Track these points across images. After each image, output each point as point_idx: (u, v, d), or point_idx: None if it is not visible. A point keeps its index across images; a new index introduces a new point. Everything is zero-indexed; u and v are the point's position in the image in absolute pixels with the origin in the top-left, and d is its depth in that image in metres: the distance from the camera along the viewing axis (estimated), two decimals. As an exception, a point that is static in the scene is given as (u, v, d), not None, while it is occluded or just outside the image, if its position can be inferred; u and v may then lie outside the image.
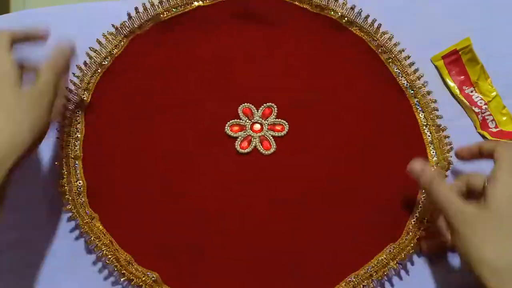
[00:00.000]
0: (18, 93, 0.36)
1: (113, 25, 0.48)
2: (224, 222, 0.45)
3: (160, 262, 0.43)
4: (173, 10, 0.49)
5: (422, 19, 0.50)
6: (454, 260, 0.45)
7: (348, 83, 0.48)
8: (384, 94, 0.48)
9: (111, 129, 0.47)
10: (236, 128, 0.47)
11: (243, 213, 0.45)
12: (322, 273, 0.43)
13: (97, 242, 0.43)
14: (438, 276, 0.45)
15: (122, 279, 0.43)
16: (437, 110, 0.47)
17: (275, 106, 0.47)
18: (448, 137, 0.46)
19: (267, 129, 0.47)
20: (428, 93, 0.47)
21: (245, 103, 0.47)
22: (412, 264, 0.45)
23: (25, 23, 0.50)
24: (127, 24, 0.48)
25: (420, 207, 0.44)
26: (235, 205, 0.45)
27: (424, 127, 0.47)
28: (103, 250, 0.43)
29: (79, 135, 0.46)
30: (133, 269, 0.43)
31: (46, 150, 0.47)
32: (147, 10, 0.48)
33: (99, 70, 0.48)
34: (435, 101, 0.47)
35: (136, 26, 0.48)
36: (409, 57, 0.48)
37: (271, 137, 0.46)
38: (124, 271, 0.43)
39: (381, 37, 0.48)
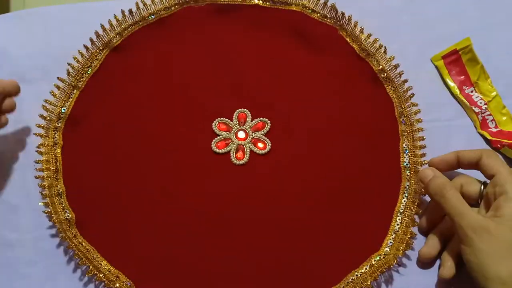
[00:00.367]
0: None
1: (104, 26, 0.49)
2: (221, 226, 0.44)
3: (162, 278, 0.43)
4: (161, 12, 0.49)
5: (422, 19, 0.50)
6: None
7: (337, 90, 0.48)
8: (374, 102, 0.47)
9: (92, 141, 0.47)
10: (223, 126, 0.47)
11: (239, 216, 0.45)
12: (321, 273, 0.43)
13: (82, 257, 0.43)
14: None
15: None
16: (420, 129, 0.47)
17: (269, 121, 0.47)
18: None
19: (250, 142, 0.46)
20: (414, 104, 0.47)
21: (242, 109, 0.47)
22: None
23: (25, 22, 0.51)
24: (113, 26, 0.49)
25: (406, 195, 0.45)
26: (231, 208, 0.45)
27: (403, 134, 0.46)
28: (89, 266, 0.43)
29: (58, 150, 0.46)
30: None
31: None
32: (133, 13, 0.49)
33: (82, 79, 0.48)
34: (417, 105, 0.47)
35: (122, 28, 0.49)
36: (402, 72, 0.48)
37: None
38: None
39: (366, 42, 0.48)
